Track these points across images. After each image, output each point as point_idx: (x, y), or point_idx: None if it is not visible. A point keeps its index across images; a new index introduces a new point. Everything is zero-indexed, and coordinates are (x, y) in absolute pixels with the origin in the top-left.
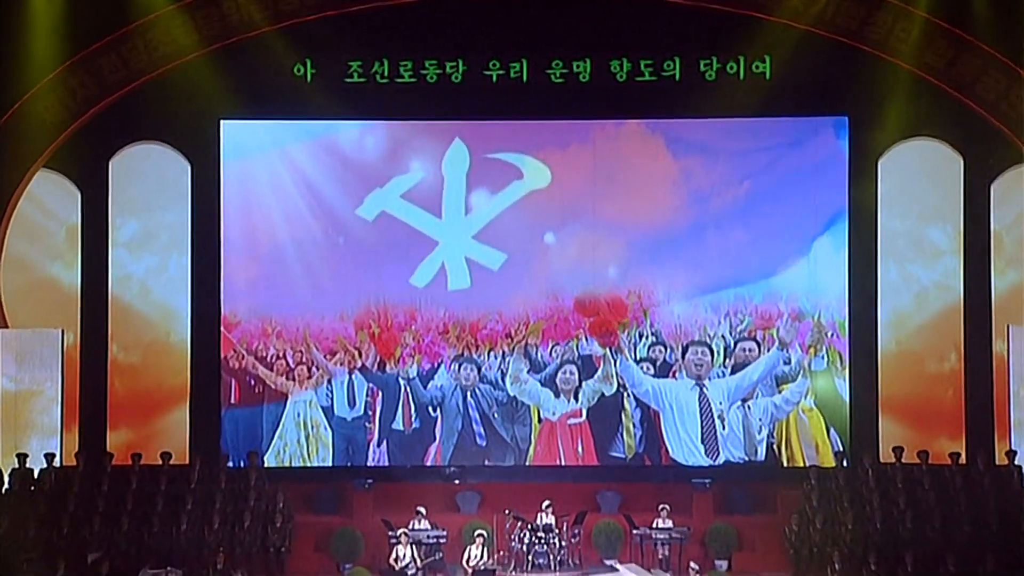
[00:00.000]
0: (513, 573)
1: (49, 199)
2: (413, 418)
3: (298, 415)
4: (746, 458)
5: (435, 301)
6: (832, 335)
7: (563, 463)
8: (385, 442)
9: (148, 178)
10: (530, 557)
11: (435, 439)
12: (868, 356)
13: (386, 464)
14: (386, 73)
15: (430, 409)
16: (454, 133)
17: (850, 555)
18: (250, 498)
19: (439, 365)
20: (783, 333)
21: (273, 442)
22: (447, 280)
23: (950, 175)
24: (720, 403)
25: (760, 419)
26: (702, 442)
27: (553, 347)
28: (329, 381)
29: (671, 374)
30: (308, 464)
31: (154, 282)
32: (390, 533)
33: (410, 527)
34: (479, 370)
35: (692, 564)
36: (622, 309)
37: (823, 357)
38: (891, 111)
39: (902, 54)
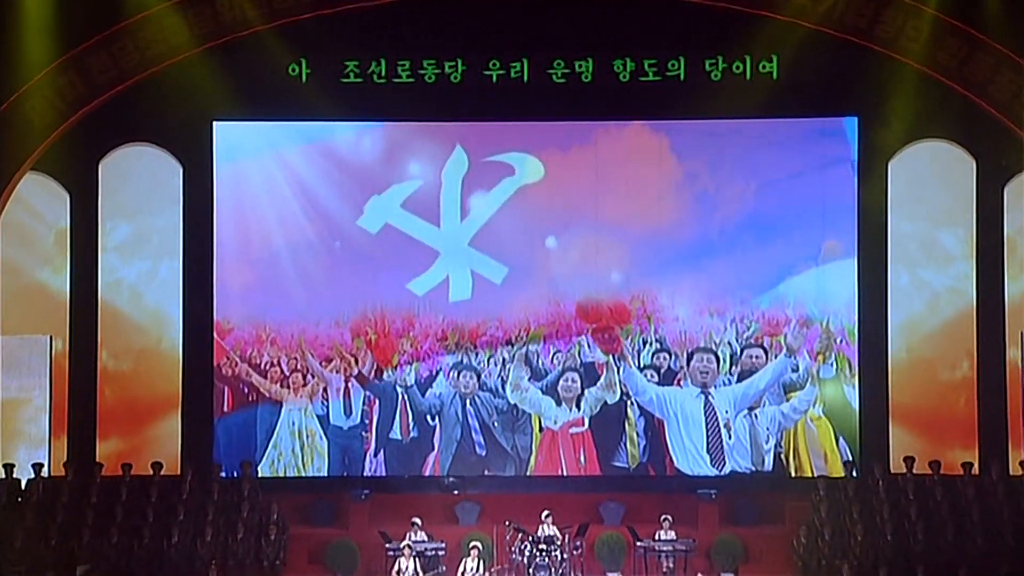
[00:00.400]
0: None
1: (37, 202)
2: (411, 427)
3: (293, 424)
4: (753, 468)
5: (434, 307)
6: (841, 342)
7: (565, 473)
8: (382, 451)
9: (139, 181)
10: (531, 570)
11: (433, 448)
12: (878, 363)
13: (383, 474)
14: (383, 73)
15: (428, 418)
16: (453, 134)
17: (860, 568)
18: (243, 509)
19: (437, 372)
20: (791, 339)
21: (267, 452)
22: (448, 291)
23: (962, 178)
24: (726, 411)
25: (767, 428)
26: (708, 452)
27: (555, 354)
28: (325, 389)
29: (676, 382)
30: (303, 474)
31: (145, 287)
32: (388, 545)
33: (406, 539)
34: (479, 377)
35: None
36: (625, 315)
37: (832, 364)
38: (901, 112)
39: (913, 53)
